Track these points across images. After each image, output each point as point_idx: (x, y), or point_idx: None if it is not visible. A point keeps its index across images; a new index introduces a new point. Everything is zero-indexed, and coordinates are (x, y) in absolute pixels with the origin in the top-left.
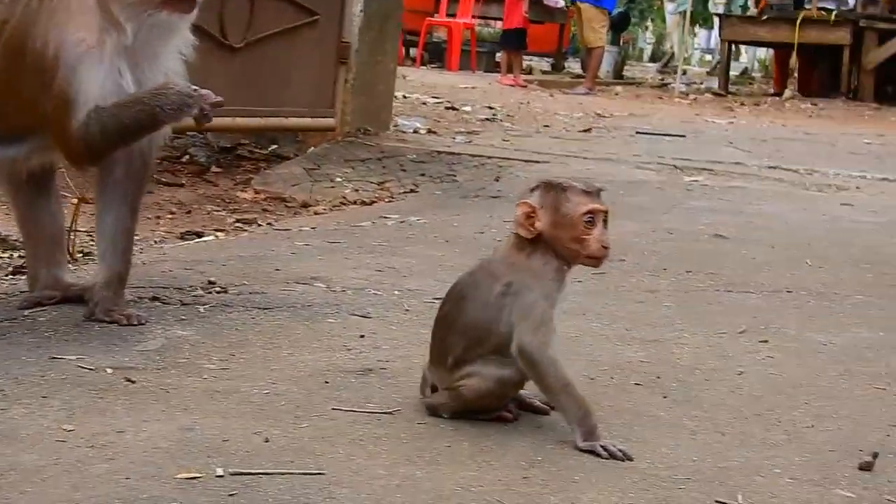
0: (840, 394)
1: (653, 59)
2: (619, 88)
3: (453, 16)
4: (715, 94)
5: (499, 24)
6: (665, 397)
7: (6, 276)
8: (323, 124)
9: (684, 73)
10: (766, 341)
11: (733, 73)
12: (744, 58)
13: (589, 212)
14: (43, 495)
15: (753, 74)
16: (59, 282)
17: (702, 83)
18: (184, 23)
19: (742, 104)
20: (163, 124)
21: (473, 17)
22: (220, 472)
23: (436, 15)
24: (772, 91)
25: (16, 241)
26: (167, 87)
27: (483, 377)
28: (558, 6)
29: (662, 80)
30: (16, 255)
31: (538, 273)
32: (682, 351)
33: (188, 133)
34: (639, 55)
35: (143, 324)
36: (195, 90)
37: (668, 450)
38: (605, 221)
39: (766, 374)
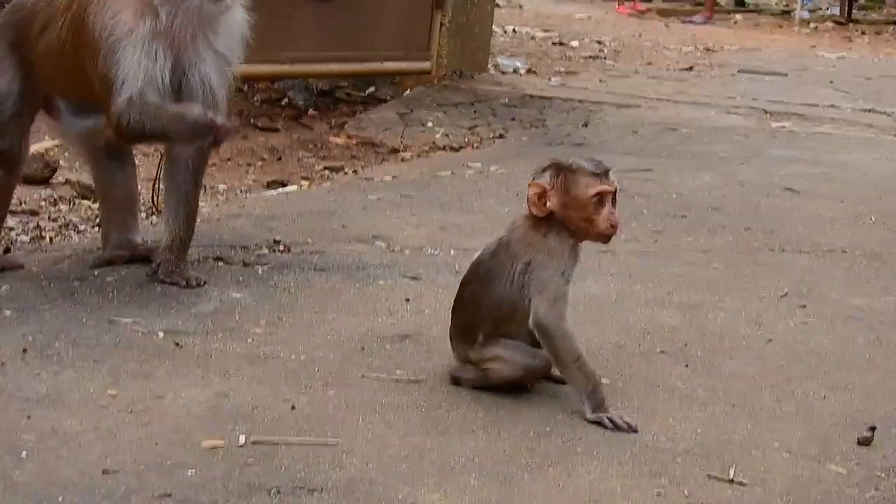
0: (862, 364)
1: None
2: (738, 17)
3: None
4: (836, 21)
5: None
6: (687, 366)
7: (94, 227)
8: (418, 67)
9: None
10: (804, 306)
11: None
12: None
13: (598, 193)
14: (76, 460)
15: None
16: (129, 242)
17: (827, 8)
18: (218, 9)
19: (863, 33)
20: (179, 143)
21: None
22: (242, 440)
23: None
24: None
25: None
26: (185, 113)
27: (513, 365)
28: None
29: (787, 5)
30: None
31: (554, 251)
32: (717, 316)
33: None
34: None
35: (201, 286)
36: (210, 121)
37: (676, 421)
38: (614, 200)
39: (794, 343)
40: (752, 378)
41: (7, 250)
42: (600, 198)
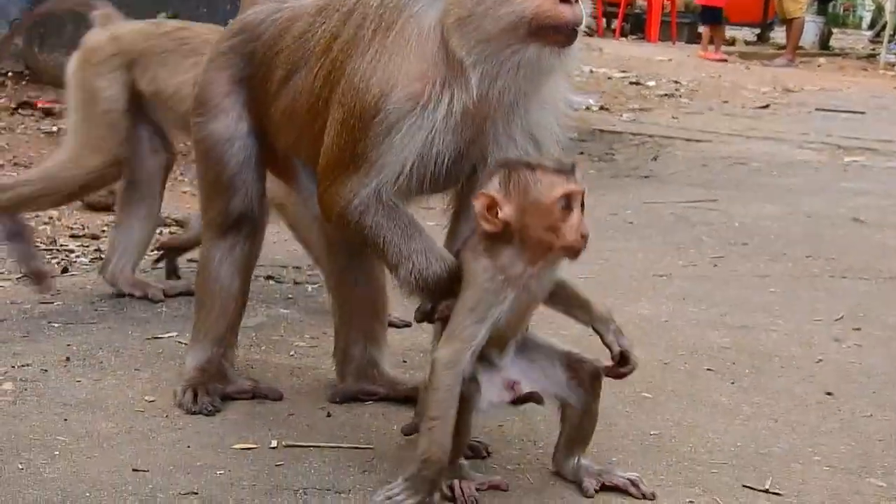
0: None
1: (872, 26)
2: (822, 60)
3: None
4: None
5: None
6: (733, 383)
7: (151, 250)
8: None
9: None
10: (858, 329)
11: None
12: None
13: (564, 195)
14: (107, 460)
15: None
16: (379, 372)
17: None
18: (559, 62)
19: None
20: (393, 275)
21: None
22: (274, 443)
23: None
24: None
25: (166, 217)
26: (424, 265)
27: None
28: None
29: (873, 49)
30: (165, 231)
31: (473, 279)
32: (769, 337)
33: None
34: (857, 23)
35: (486, 456)
36: (439, 299)
37: (715, 435)
38: (582, 206)
39: (845, 363)
40: (798, 396)
41: (65, 270)
42: (567, 201)
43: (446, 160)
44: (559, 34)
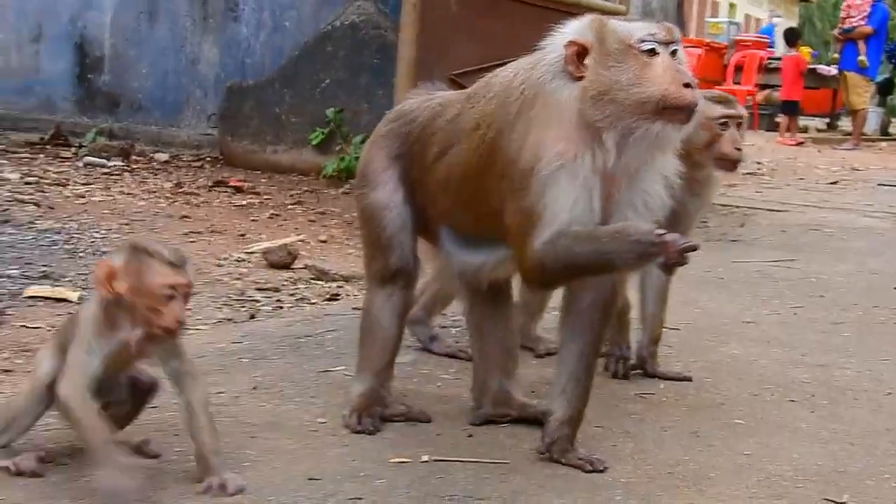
0: None
1: None
2: (883, 144)
3: (738, 83)
4: None
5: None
6: (812, 412)
7: (324, 301)
8: None
9: None
10: None
11: None
12: None
13: (170, 285)
14: (287, 471)
15: None
16: (511, 398)
17: None
18: (675, 136)
19: None
20: (619, 271)
21: (756, 84)
22: (425, 458)
23: (723, 83)
24: None
25: (336, 274)
26: (626, 231)
27: None
28: (831, 74)
29: None
30: (334, 285)
31: (83, 324)
32: (843, 374)
33: None
34: None
35: (603, 471)
36: (659, 236)
37: (799, 455)
38: (186, 296)
39: None
40: (870, 423)
41: (252, 316)
42: (172, 290)
43: (597, 214)
44: (681, 113)
